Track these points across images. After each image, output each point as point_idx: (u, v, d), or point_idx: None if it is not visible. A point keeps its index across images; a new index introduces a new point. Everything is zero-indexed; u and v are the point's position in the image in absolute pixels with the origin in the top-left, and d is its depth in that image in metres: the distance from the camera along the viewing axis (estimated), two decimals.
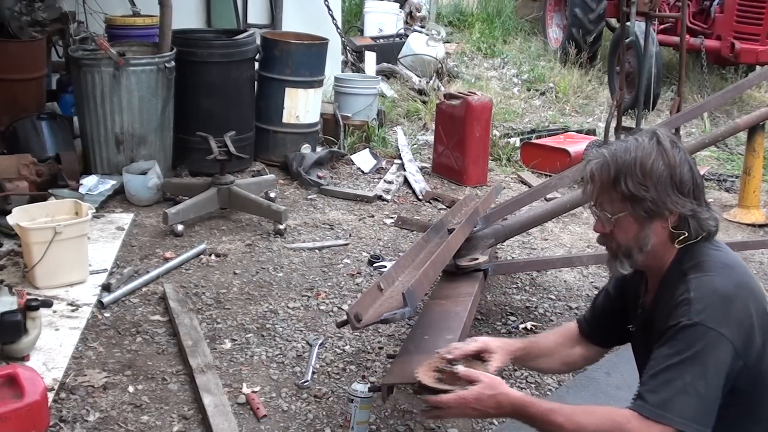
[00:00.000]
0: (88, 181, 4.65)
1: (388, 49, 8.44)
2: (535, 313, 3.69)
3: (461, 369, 1.87)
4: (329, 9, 6.87)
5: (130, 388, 2.85)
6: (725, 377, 1.65)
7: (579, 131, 6.94)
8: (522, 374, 3.15)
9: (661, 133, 1.82)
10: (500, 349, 2.03)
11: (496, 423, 2.83)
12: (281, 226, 4.36)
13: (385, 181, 5.46)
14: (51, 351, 3.00)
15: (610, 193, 1.81)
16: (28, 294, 3.09)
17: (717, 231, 1.84)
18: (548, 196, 4.86)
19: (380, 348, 3.26)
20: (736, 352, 1.66)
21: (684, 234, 1.79)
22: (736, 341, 1.65)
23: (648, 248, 1.82)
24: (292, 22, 6.69)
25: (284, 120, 5.50)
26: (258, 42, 5.45)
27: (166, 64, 4.83)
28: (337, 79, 6.41)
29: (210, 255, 4.05)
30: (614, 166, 1.79)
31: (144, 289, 3.62)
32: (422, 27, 9.38)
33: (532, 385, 3.09)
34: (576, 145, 6.01)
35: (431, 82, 8.02)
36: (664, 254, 1.83)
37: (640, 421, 1.64)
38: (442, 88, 7.68)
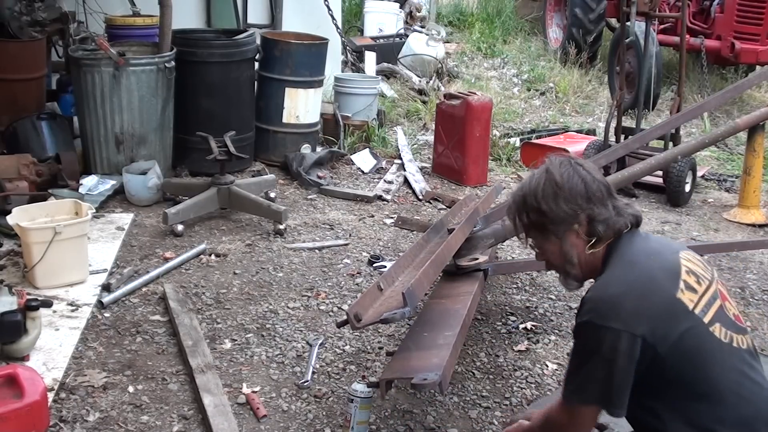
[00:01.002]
0: (88, 181, 4.65)
1: (388, 49, 8.44)
2: (535, 313, 3.69)
3: None
4: (329, 9, 6.88)
5: (130, 388, 2.85)
6: (627, 362, 1.78)
7: (579, 131, 6.94)
8: (522, 374, 3.15)
9: (551, 160, 2.01)
10: None
11: (496, 423, 2.83)
12: (281, 226, 4.36)
13: (385, 181, 5.46)
14: (51, 351, 3.00)
15: (523, 227, 2.04)
16: (28, 294, 3.09)
17: (634, 224, 1.97)
18: None
19: (380, 348, 3.26)
20: (638, 339, 1.77)
21: (593, 239, 1.95)
22: (636, 330, 1.77)
23: (575, 260, 1.99)
24: (292, 22, 6.69)
25: (284, 120, 5.50)
26: (258, 42, 5.45)
27: (166, 64, 4.83)
28: (337, 79, 6.41)
29: (210, 255, 4.05)
30: (514, 204, 2.04)
31: (144, 289, 3.62)
32: (422, 27, 9.38)
33: (532, 385, 3.09)
34: (576, 145, 6.01)
35: (431, 82, 8.03)
36: (594, 260, 1.98)
37: (561, 407, 1.93)
38: (442, 88, 7.68)
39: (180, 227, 4.25)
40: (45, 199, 4.08)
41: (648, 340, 1.77)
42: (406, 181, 5.52)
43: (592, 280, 2.02)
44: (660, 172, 5.33)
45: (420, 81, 8.00)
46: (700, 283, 1.87)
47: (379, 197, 5.15)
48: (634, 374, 1.79)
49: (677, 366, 1.78)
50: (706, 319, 1.82)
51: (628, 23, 5.54)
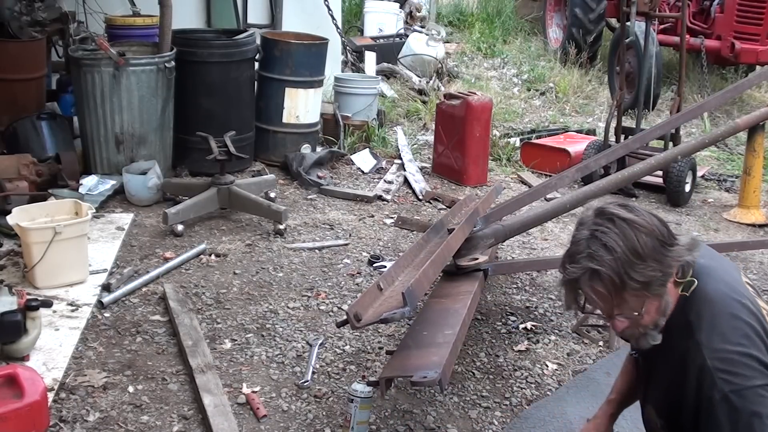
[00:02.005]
0: (88, 181, 4.65)
1: (388, 49, 8.44)
2: (535, 313, 3.69)
3: None
4: (329, 9, 6.87)
5: (130, 388, 2.85)
6: None
7: (579, 131, 6.94)
8: (522, 374, 3.15)
9: (607, 209, 1.75)
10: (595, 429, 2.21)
11: (496, 423, 2.83)
12: (281, 226, 4.36)
13: (385, 181, 5.46)
14: (51, 351, 3.00)
15: (623, 296, 1.72)
16: (28, 294, 3.09)
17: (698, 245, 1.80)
18: (548, 196, 4.86)
19: (380, 348, 3.26)
20: None
21: (686, 279, 1.78)
22: None
23: (670, 310, 1.79)
24: (292, 22, 6.69)
25: (284, 120, 5.50)
26: (258, 42, 5.45)
27: (166, 64, 4.83)
28: (337, 79, 6.41)
29: (210, 255, 4.05)
30: (610, 270, 1.69)
31: (144, 289, 3.62)
32: (422, 27, 9.38)
33: (532, 385, 3.09)
34: (576, 145, 6.01)
35: (431, 82, 8.03)
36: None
37: None
38: (442, 88, 7.68)
39: (180, 227, 4.25)
40: (45, 199, 4.08)
41: None
42: (406, 181, 5.52)
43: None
44: (660, 172, 5.34)
45: (420, 81, 8.00)
46: (758, 293, 1.86)
47: (379, 197, 5.15)
48: None
49: None
50: None
51: (628, 23, 5.54)
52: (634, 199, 5.49)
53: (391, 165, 5.80)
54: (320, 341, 3.26)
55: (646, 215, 1.73)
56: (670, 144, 5.41)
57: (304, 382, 2.96)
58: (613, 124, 5.70)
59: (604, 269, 1.68)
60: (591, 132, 6.98)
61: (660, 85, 7.37)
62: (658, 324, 1.79)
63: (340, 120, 5.97)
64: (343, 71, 7.27)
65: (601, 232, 1.70)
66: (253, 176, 5.21)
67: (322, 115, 5.88)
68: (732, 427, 1.67)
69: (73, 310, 3.33)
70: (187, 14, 6.02)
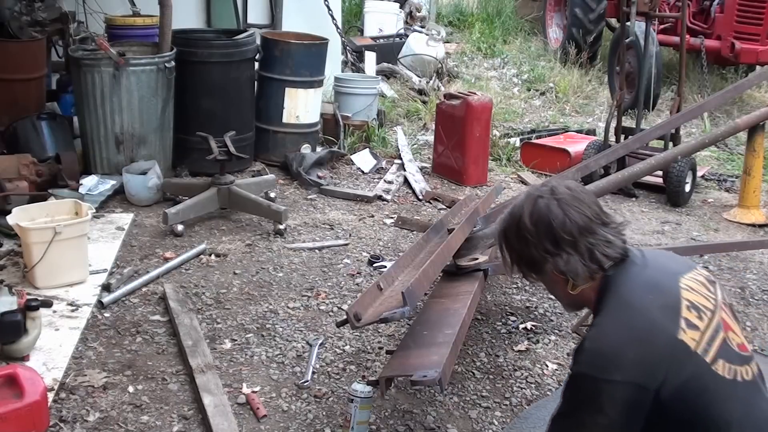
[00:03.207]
0: (88, 181, 4.65)
1: (388, 49, 8.44)
2: (535, 313, 3.69)
3: None
4: (329, 9, 6.87)
5: (130, 388, 2.85)
6: (629, 413, 1.72)
7: (579, 131, 6.94)
8: (522, 374, 3.15)
9: (529, 193, 1.91)
10: None
11: (496, 423, 2.83)
12: (281, 226, 4.36)
13: (385, 181, 5.46)
14: (51, 351, 3.01)
15: (508, 260, 1.97)
16: (28, 294, 3.09)
17: (617, 262, 1.84)
18: None
19: (380, 348, 3.26)
20: (640, 387, 1.70)
21: (570, 281, 1.86)
22: (639, 379, 1.70)
23: (560, 295, 1.95)
24: (292, 22, 6.69)
25: (284, 120, 5.50)
26: (258, 42, 5.45)
27: (166, 64, 4.83)
28: (337, 79, 6.41)
29: (210, 255, 4.05)
30: (496, 238, 2.00)
31: (144, 289, 3.62)
32: (422, 27, 9.39)
33: (532, 385, 3.09)
34: (576, 145, 6.01)
35: (431, 82, 8.03)
36: (584, 295, 1.90)
37: None
38: (442, 88, 7.68)
39: (180, 227, 4.25)
40: (45, 199, 4.08)
41: (650, 388, 1.70)
42: (406, 181, 5.52)
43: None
44: (660, 172, 5.33)
45: (420, 81, 8.00)
46: (701, 317, 1.78)
47: (379, 197, 5.15)
48: (636, 422, 1.73)
49: (679, 409, 1.72)
50: (709, 358, 1.73)
51: (628, 23, 5.54)
52: (634, 199, 5.49)
53: (391, 165, 5.80)
54: (320, 341, 3.26)
55: (553, 213, 1.84)
56: (670, 144, 5.41)
57: (304, 382, 2.96)
58: (613, 124, 5.70)
59: (500, 228, 1.96)
60: (591, 132, 6.97)
61: (660, 85, 7.38)
62: (560, 302, 2.02)
63: (340, 120, 5.97)
64: (343, 71, 7.27)
65: (520, 207, 1.90)
66: (253, 176, 5.21)
67: (322, 115, 5.88)
68: (574, 397, 1.80)
69: (73, 310, 3.33)
70: (187, 14, 6.02)
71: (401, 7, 9.69)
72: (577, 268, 1.83)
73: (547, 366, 3.23)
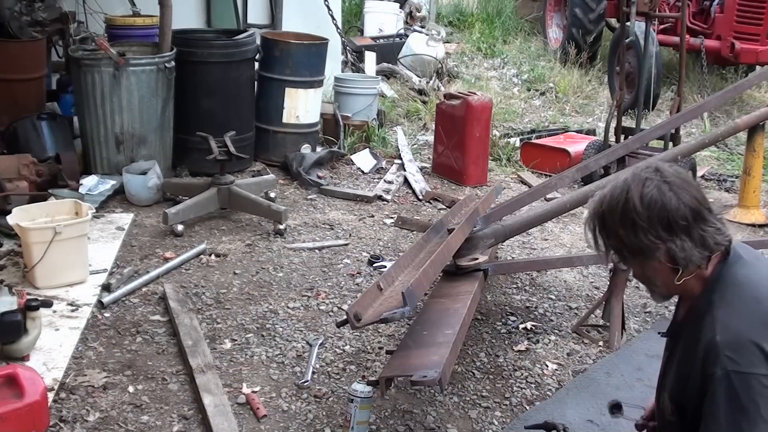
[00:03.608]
0: (88, 181, 4.65)
1: (388, 49, 8.44)
2: (535, 313, 3.69)
3: None
4: (329, 9, 6.87)
5: (130, 388, 2.85)
6: None
7: (579, 131, 6.94)
8: (522, 374, 3.15)
9: (636, 173, 1.76)
10: None
11: (495, 423, 2.83)
12: (281, 226, 4.36)
13: (385, 181, 5.46)
14: (51, 351, 3.01)
15: (604, 245, 1.81)
16: (28, 294, 3.09)
17: (726, 246, 1.75)
18: (548, 196, 4.86)
19: (380, 348, 3.26)
20: None
21: (679, 271, 1.73)
22: None
23: (658, 284, 1.80)
24: (292, 22, 6.69)
25: (284, 120, 5.50)
26: (258, 42, 5.45)
27: (166, 64, 4.83)
28: (337, 79, 6.41)
29: (210, 255, 4.05)
30: (592, 221, 1.80)
31: (144, 289, 3.62)
32: (422, 27, 9.38)
33: (532, 385, 3.09)
34: (576, 145, 6.01)
35: (431, 82, 8.03)
36: (689, 286, 1.78)
37: None
38: (442, 88, 7.68)
39: (180, 227, 4.25)
40: (45, 199, 4.08)
41: None
42: (406, 181, 5.52)
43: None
44: None
45: (420, 81, 8.00)
46: None
47: (379, 197, 5.15)
48: None
49: None
50: None
51: (628, 23, 5.54)
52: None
53: (391, 165, 5.80)
54: (320, 341, 3.26)
55: (653, 193, 1.70)
56: (670, 144, 5.41)
57: (304, 382, 2.96)
58: (613, 124, 5.70)
59: (599, 209, 1.77)
60: (591, 132, 6.97)
61: (660, 85, 7.37)
62: (653, 290, 1.83)
63: (340, 120, 5.97)
64: (343, 71, 7.27)
65: (627, 190, 1.73)
66: (253, 176, 5.21)
67: (322, 115, 5.88)
68: (728, 407, 1.64)
69: (73, 310, 3.33)
70: (187, 14, 6.02)
71: (401, 7, 9.69)
72: (692, 255, 1.70)
73: (547, 366, 3.23)
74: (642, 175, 1.74)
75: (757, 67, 8.09)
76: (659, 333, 2.03)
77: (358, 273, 3.98)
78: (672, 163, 1.86)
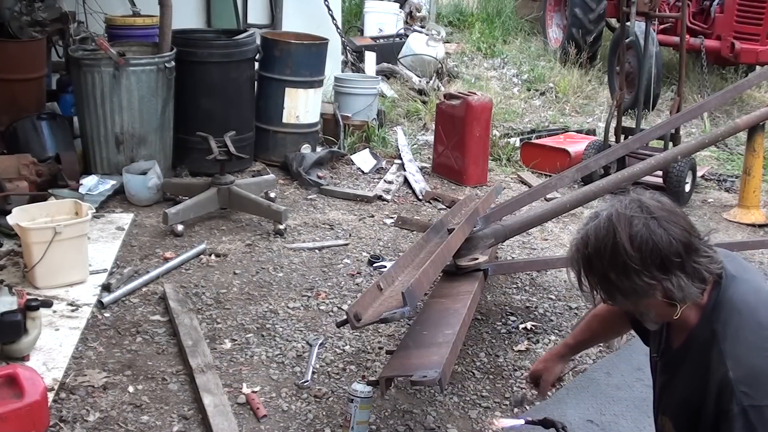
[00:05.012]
0: (88, 181, 4.65)
1: (388, 49, 8.43)
2: (535, 313, 3.69)
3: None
4: (329, 9, 6.87)
5: (130, 388, 2.86)
6: None
7: (579, 131, 6.94)
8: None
9: (618, 210, 1.66)
10: (546, 369, 2.30)
11: (495, 423, 2.83)
12: (281, 226, 4.36)
13: (385, 181, 5.46)
14: (51, 351, 3.01)
15: (589, 287, 1.73)
16: (28, 294, 3.09)
17: (719, 273, 1.71)
18: (548, 196, 4.86)
19: (380, 348, 3.26)
20: None
21: (675, 306, 1.67)
22: None
23: (652, 315, 1.74)
24: (292, 22, 6.69)
25: (284, 120, 5.50)
26: (258, 42, 5.45)
27: (166, 64, 4.83)
28: (337, 79, 6.41)
29: (210, 255, 4.05)
30: (577, 262, 1.72)
31: (144, 289, 3.62)
32: (422, 27, 9.38)
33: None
34: (576, 145, 6.01)
35: (431, 82, 8.02)
36: (683, 316, 1.71)
37: None
38: (442, 88, 7.68)
39: (180, 227, 4.25)
40: (45, 199, 4.08)
41: None
42: (406, 181, 5.52)
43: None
44: (660, 172, 5.33)
45: (420, 81, 8.00)
46: None
47: (379, 197, 5.15)
48: None
49: None
50: None
51: (628, 23, 5.54)
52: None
53: (391, 165, 5.80)
54: (320, 341, 3.26)
55: (656, 234, 1.63)
56: (670, 144, 5.41)
57: (304, 382, 2.96)
58: (613, 124, 5.70)
59: (584, 251, 1.69)
60: (591, 132, 6.97)
61: (660, 85, 7.37)
62: (646, 320, 1.77)
63: (340, 120, 5.97)
64: (343, 71, 7.27)
65: (614, 230, 1.65)
66: (253, 176, 5.21)
67: (322, 115, 5.88)
68: None
69: (73, 310, 3.34)
70: (187, 14, 6.02)
71: (401, 7, 9.68)
72: (689, 291, 1.64)
73: None
74: (627, 213, 1.65)
75: (757, 67, 8.09)
76: (653, 355, 1.98)
77: (358, 273, 3.98)
78: (652, 192, 1.80)
